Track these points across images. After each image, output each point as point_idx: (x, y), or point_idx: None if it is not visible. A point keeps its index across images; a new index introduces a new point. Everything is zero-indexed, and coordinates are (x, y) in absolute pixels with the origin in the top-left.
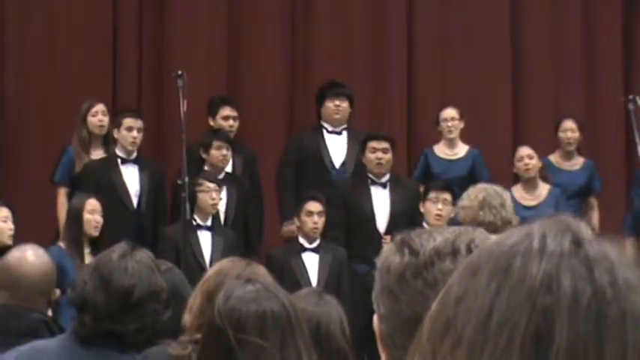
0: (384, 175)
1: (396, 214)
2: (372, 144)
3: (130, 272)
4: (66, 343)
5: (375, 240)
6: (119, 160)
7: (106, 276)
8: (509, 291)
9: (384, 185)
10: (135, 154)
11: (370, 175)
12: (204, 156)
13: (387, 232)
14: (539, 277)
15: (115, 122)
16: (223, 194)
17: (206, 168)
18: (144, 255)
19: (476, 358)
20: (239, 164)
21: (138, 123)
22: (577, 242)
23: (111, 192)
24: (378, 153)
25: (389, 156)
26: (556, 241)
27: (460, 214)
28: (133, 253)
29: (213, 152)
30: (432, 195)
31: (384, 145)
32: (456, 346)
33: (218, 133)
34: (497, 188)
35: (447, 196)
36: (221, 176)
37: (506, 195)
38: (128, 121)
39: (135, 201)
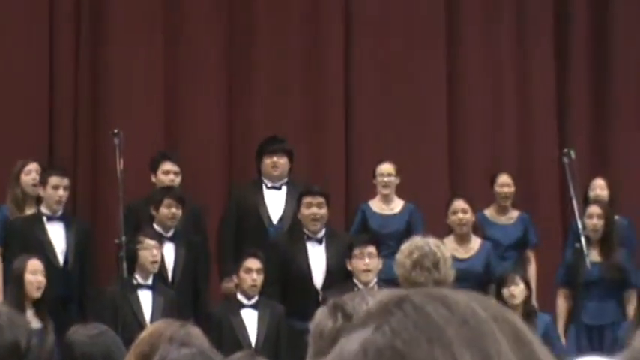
0: (319, 230)
1: (333, 269)
2: (307, 199)
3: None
4: None
5: (311, 296)
6: (44, 218)
7: None
8: None
9: (319, 241)
10: (61, 212)
11: (306, 231)
12: (153, 213)
13: (323, 288)
14: None
15: (41, 180)
16: (171, 252)
17: (155, 225)
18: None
19: None
20: (182, 220)
21: (64, 181)
22: None
23: (38, 250)
24: (313, 208)
25: (324, 211)
26: None
27: (396, 270)
28: None
29: (163, 210)
30: (357, 251)
31: (319, 200)
32: None
33: (170, 191)
34: (434, 245)
35: (372, 249)
36: (170, 234)
37: (441, 253)
38: (54, 180)
39: (61, 258)
